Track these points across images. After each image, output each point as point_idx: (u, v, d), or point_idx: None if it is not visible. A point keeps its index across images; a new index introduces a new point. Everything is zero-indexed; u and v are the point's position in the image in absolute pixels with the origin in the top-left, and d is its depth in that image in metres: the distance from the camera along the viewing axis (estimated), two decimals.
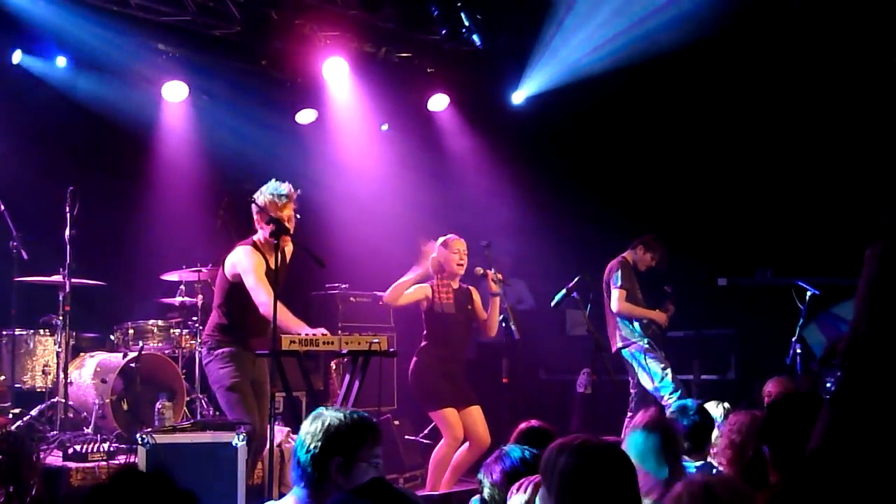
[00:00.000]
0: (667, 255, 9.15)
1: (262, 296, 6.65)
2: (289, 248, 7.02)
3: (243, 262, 6.77)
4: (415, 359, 8.00)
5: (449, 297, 8.06)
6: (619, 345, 9.10)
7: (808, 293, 8.40)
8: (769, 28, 9.39)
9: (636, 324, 9.06)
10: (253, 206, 6.84)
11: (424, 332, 8.09)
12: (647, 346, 9.00)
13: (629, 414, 9.16)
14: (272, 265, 6.81)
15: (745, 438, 4.46)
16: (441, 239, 8.17)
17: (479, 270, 8.12)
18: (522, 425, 4.87)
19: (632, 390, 9.21)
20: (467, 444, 7.94)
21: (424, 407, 8.08)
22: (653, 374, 8.94)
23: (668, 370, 8.88)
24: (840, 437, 1.66)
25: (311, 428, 3.74)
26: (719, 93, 10.05)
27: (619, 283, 9.02)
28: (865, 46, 9.06)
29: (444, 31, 9.17)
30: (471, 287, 8.31)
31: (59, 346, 8.18)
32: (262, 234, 6.86)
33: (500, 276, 8.09)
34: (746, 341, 9.68)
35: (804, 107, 9.76)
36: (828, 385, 1.66)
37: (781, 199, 9.99)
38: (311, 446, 3.70)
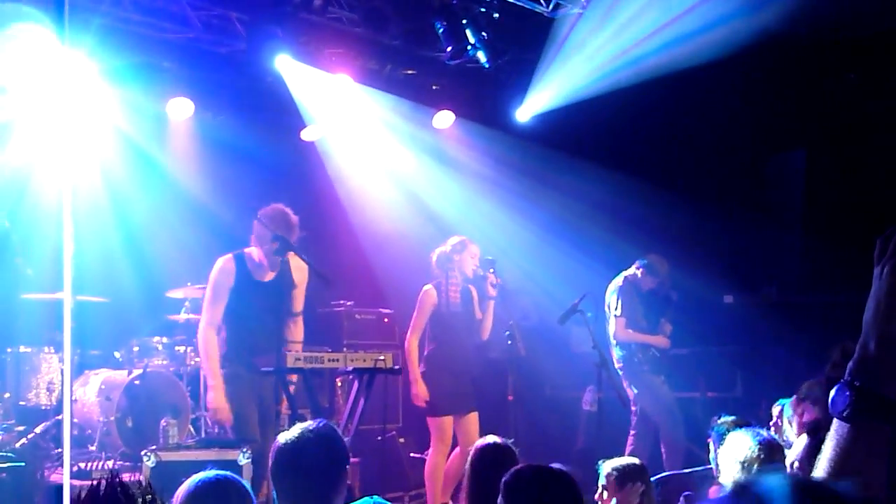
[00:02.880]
0: (668, 275, 9.13)
1: (205, 314, 6.72)
2: (299, 270, 7.02)
3: (211, 274, 6.83)
4: (422, 365, 7.98)
5: (456, 295, 8.07)
6: (618, 366, 9.10)
7: None
8: (766, 42, 9.40)
9: (634, 347, 9.06)
10: (257, 222, 6.85)
11: (429, 335, 8.06)
12: (646, 368, 9.01)
13: (632, 432, 9.14)
14: (260, 278, 6.80)
15: None
16: (458, 238, 8.20)
17: (480, 271, 8.13)
18: (479, 443, 4.83)
19: (633, 406, 9.18)
20: (457, 449, 7.92)
21: (424, 411, 8.08)
22: (654, 395, 8.97)
23: (667, 393, 8.87)
24: (852, 457, 1.64)
25: None
26: (724, 108, 10.05)
27: (620, 311, 9.01)
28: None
29: (449, 49, 9.17)
30: (470, 286, 8.33)
31: (64, 364, 8.17)
32: (257, 250, 6.87)
33: (497, 280, 8.11)
34: (752, 359, 9.65)
35: (802, 119, 9.77)
36: (837, 405, 1.63)
37: (787, 216, 9.97)
38: None
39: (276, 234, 6.76)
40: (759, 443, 4.48)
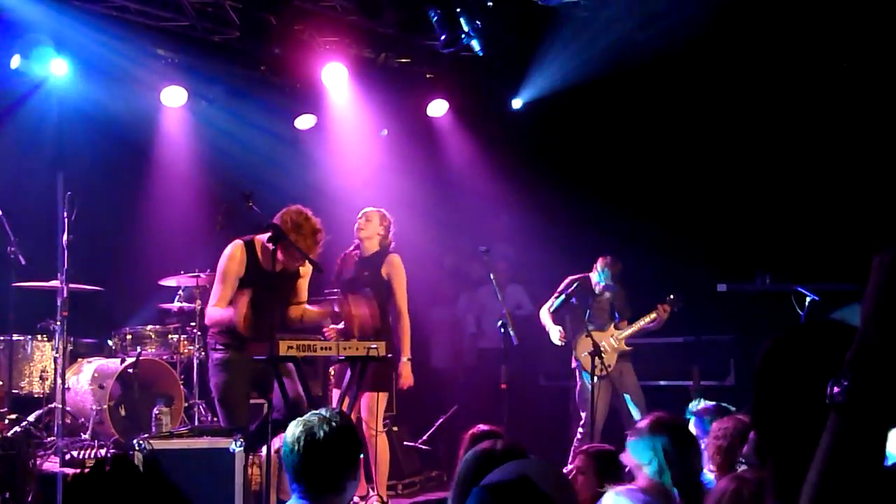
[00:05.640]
0: (611, 277, 9.09)
1: (213, 298, 6.71)
2: (304, 270, 7.00)
3: (221, 260, 6.81)
4: None
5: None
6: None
7: (808, 299, 8.38)
8: (766, 30, 9.39)
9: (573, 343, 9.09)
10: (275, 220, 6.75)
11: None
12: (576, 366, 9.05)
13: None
14: (266, 266, 6.75)
15: (731, 442, 4.45)
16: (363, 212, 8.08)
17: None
18: (473, 430, 4.83)
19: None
20: None
21: None
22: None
23: (586, 410, 8.81)
24: (849, 449, 1.62)
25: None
26: (717, 96, 10.04)
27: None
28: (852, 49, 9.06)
29: (443, 37, 9.15)
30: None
31: (57, 352, 8.15)
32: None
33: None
34: (746, 347, 9.66)
35: (802, 110, 9.75)
36: (834, 396, 1.62)
37: (780, 203, 9.97)
38: None
39: (269, 221, 6.72)
40: (734, 424, 4.57)
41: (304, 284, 7.16)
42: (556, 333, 8.97)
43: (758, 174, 10.13)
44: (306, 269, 7.07)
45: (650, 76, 10.17)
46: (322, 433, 3.70)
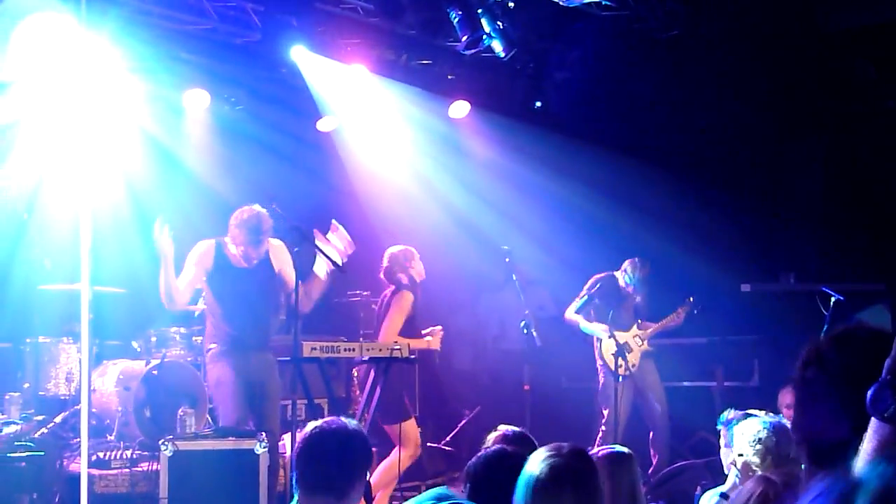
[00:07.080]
0: (640, 280, 9.12)
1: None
2: (277, 259, 7.07)
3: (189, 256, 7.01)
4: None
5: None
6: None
7: (833, 299, 8.32)
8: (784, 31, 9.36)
9: (597, 342, 9.07)
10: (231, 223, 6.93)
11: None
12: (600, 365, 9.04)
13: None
14: (236, 263, 6.90)
15: None
16: (397, 249, 8.03)
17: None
18: (498, 434, 4.77)
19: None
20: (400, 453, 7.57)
21: (382, 419, 7.47)
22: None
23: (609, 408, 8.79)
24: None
25: None
26: (735, 96, 10.01)
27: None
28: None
29: (464, 38, 9.15)
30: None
31: (82, 354, 8.19)
32: (232, 245, 6.97)
33: None
34: (770, 348, 9.61)
35: (824, 111, 9.72)
36: (877, 405, 1.61)
37: (805, 203, 9.93)
38: None
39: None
40: (771, 426, 4.61)
41: (285, 271, 7.13)
42: (600, 329, 8.93)
43: (781, 174, 10.09)
44: (280, 267, 7.12)
45: (674, 76, 10.14)
46: (325, 434, 3.68)
